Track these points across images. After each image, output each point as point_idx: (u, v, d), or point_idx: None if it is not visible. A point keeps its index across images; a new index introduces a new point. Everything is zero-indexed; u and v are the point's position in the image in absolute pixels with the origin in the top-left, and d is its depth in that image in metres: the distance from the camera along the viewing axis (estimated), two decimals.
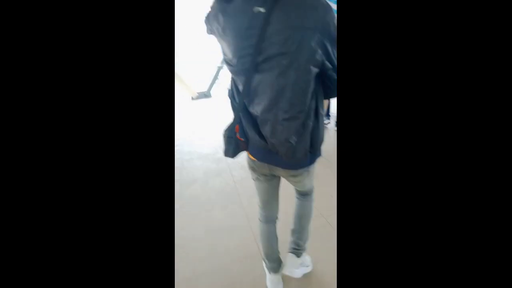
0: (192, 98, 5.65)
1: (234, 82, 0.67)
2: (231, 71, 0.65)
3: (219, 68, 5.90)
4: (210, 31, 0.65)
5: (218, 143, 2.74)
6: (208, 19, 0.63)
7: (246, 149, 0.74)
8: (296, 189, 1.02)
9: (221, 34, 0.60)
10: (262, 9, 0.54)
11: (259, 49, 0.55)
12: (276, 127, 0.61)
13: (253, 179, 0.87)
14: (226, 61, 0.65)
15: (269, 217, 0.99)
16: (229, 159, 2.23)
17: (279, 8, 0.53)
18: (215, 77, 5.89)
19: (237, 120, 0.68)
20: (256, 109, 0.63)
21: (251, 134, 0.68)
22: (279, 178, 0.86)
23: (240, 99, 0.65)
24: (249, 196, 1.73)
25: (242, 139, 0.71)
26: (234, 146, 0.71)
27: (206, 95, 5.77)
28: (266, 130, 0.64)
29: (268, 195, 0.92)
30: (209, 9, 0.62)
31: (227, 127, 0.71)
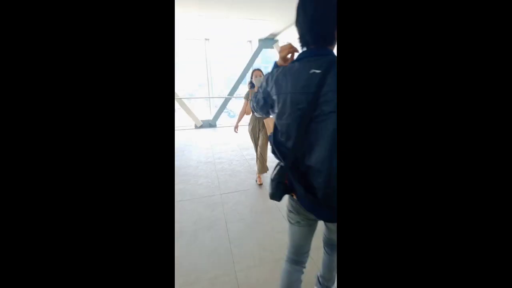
0: (196, 126, 5.56)
1: (279, 137, 0.71)
2: (282, 125, 0.69)
3: (227, 100, 5.88)
4: (263, 97, 0.73)
5: (215, 182, 2.39)
6: (261, 86, 0.74)
7: (293, 191, 0.73)
8: (327, 240, 1.00)
9: (277, 93, 0.67)
10: (317, 71, 0.61)
11: (314, 105, 0.60)
12: (331, 178, 0.62)
13: (291, 223, 0.83)
14: (278, 117, 0.69)
15: (299, 260, 0.88)
16: (226, 206, 1.90)
17: (334, 71, 0.59)
18: (222, 107, 5.85)
19: (286, 168, 0.69)
20: (311, 160, 0.65)
21: (297, 187, 0.68)
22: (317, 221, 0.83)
23: (292, 150, 0.67)
24: (248, 267, 1.32)
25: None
26: (282, 190, 0.72)
27: (211, 124, 5.69)
28: (319, 181, 0.64)
29: (305, 240, 0.85)
30: (265, 79, 0.72)
31: (275, 173, 0.72)
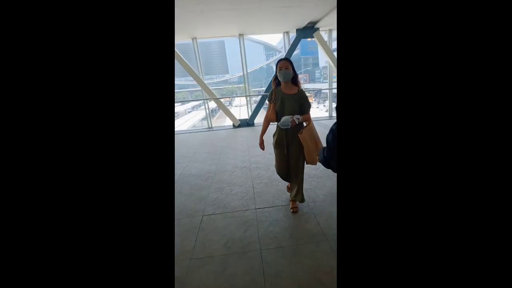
0: (234, 126, 5.50)
1: None
2: None
3: (264, 97, 5.64)
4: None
5: (250, 193, 2.17)
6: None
7: None
8: None
9: None
10: None
11: None
12: None
13: None
14: None
15: None
16: (261, 226, 1.66)
17: None
18: (259, 106, 5.64)
19: None
20: None
21: None
22: None
23: None
24: None
25: None
26: None
27: (248, 123, 5.57)
28: None
29: None
30: None
31: None
